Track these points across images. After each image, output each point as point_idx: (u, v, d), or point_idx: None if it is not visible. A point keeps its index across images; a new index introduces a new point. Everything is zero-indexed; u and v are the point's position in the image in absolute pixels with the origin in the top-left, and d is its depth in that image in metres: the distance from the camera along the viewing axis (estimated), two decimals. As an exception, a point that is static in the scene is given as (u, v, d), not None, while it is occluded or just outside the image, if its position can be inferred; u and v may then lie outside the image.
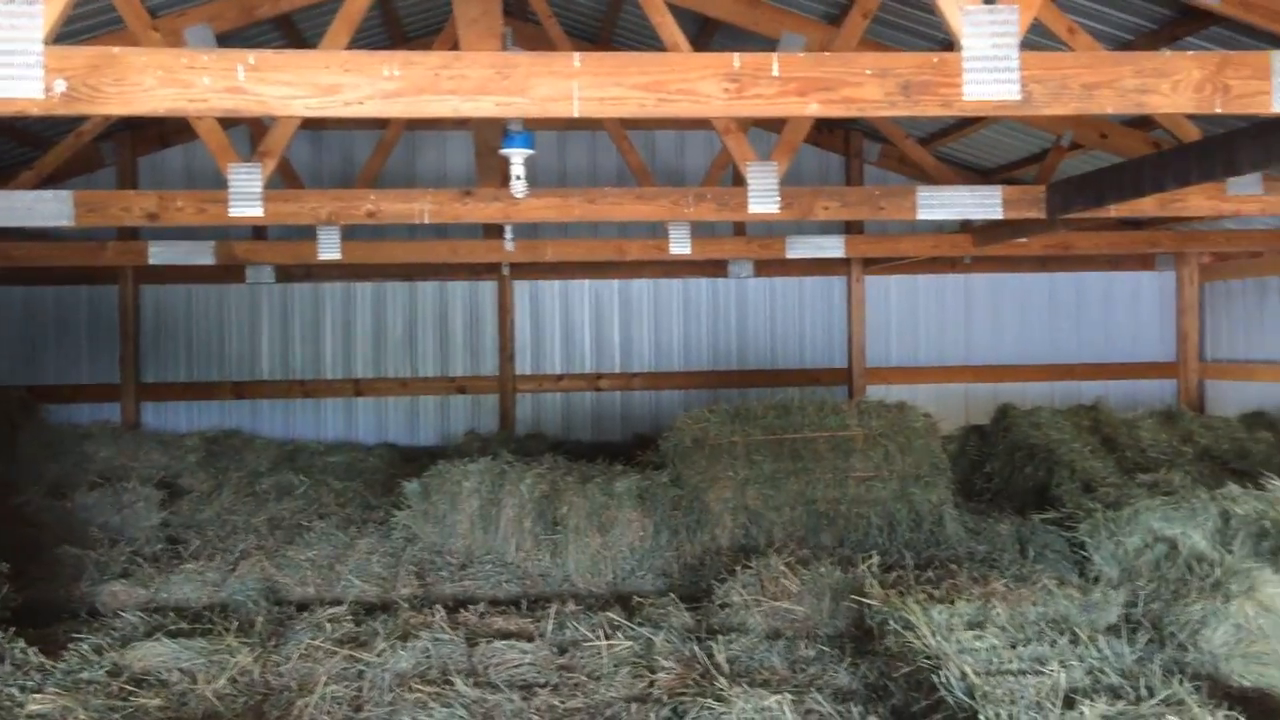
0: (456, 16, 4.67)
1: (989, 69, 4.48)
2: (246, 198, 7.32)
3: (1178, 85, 4.61)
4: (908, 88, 4.51)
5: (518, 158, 7.29)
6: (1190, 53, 4.73)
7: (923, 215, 8.33)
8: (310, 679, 5.75)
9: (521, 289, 14.17)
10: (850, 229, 13.20)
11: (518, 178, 7.41)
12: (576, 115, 4.46)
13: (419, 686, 5.53)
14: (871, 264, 14.00)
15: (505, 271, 13.78)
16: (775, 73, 4.47)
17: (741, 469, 8.55)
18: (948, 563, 7.35)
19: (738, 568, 7.18)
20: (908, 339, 14.54)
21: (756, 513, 8.44)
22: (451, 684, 5.55)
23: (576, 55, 4.44)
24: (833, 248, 11.06)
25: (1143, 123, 9.84)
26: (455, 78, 4.38)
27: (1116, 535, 7.36)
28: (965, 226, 11.70)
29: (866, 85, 4.49)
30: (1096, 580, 7.19)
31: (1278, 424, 11.16)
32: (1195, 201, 8.13)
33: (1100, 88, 4.60)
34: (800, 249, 11.04)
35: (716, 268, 14.09)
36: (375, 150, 10.08)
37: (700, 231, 10.52)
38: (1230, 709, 4.45)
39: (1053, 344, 14.59)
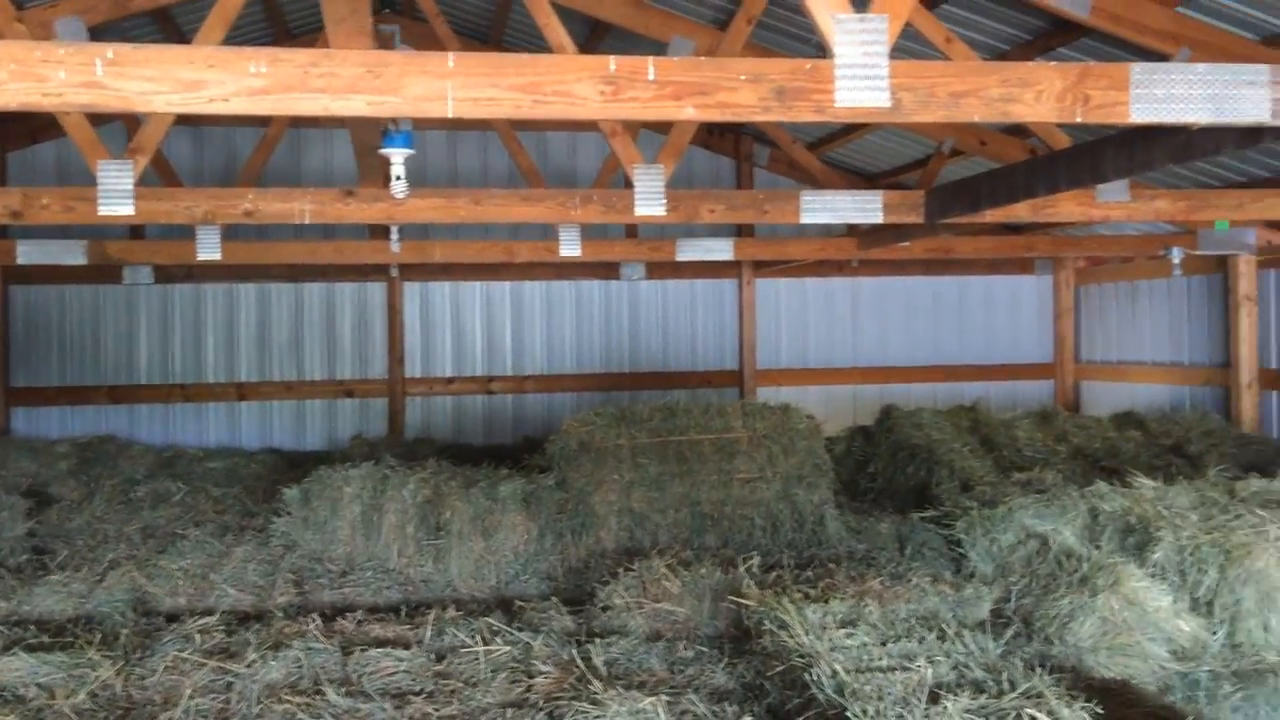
0: (325, 15, 4.55)
1: (859, 76, 4.53)
2: (117, 196, 7.07)
3: (1041, 95, 4.72)
4: (782, 93, 4.54)
5: (398, 158, 7.16)
6: (1053, 63, 4.85)
7: (806, 219, 8.44)
8: (175, 692, 5.57)
9: (411, 290, 13.99)
10: (741, 232, 13.33)
11: (398, 178, 7.28)
12: (451, 116, 4.40)
13: (289, 697, 5.39)
14: (762, 267, 14.15)
15: (394, 273, 13.57)
16: (651, 76, 4.46)
17: (627, 472, 8.55)
18: (827, 562, 7.44)
19: (621, 570, 7.16)
20: (797, 341, 14.73)
21: (642, 515, 8.46)
22: (323, 694, 5.44)
23: (451, 55, 4.38)
24: (722, 250, 11.14)
25: (1019, 130, 10.11)
26: (325, 76, 4.28)
27: (991, 533, 7.56)
28: (851, 230, 11.90)
29: (741, 90, 4.51)
30: (972, 576, 7.36)
31: (1146, 423, 11.56)
32: (1066, 207, 8.38)
33: (967, 96, 4.68)
34: (690, 251, 11.08)
35: (608, 270, 14.08)
36: (257, 148, 9.83)
37: (592, 233, 10.50)
38: (1089, 700, 4.56)
39: (936, 346, 14.92)
